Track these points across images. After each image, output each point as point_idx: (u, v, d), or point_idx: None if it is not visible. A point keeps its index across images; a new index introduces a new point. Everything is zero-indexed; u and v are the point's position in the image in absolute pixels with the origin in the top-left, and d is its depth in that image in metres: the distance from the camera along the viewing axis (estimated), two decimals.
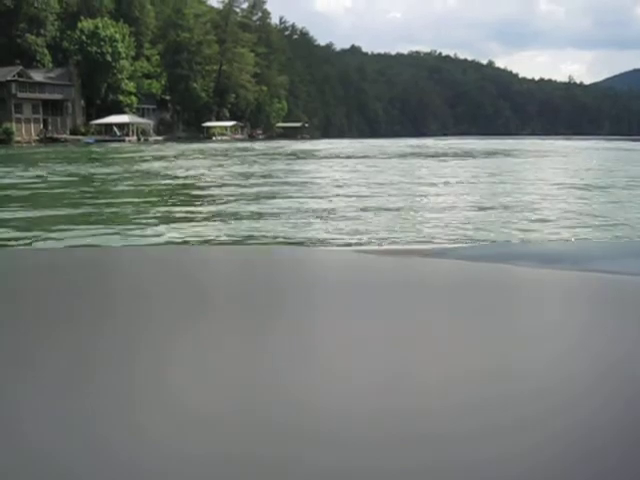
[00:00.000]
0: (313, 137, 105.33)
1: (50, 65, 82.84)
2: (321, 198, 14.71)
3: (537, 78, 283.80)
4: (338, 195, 15.19)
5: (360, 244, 8.58)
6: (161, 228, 10.27)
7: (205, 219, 11.57)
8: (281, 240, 9.28)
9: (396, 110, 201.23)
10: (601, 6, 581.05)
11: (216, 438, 0.43)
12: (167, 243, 8.77)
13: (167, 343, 0.63)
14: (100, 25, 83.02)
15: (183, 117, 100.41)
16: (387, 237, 9.45)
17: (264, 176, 21.67)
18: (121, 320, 0.73)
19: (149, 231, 10.03)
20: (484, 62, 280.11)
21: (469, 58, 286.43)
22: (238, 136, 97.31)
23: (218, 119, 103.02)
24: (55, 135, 75.78)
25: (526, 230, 10.19)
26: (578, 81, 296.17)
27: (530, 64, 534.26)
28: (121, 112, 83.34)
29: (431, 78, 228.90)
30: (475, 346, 0.63)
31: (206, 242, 8.90)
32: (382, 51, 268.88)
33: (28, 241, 9.05)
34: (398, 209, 12.63)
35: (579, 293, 0.95)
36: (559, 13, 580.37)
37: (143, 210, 12.59)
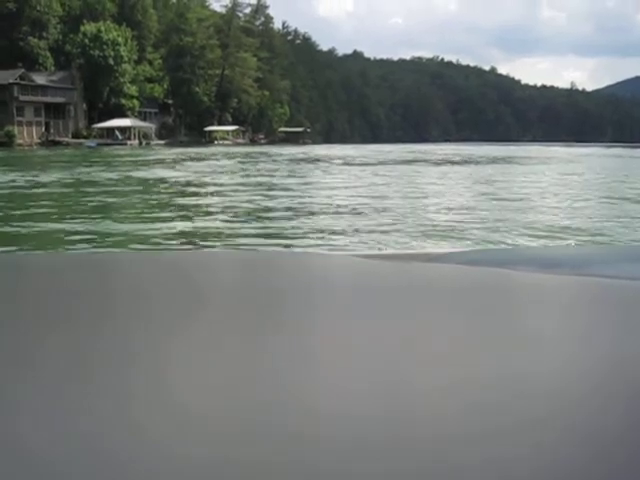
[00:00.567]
0: (315, 142, 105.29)
1: (52, 68, 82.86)
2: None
3: (539, 84, 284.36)
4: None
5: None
6: None
7: None
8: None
9: (398, 116, 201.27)
10: (603, 13, 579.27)
11: (216, 440, 0.43)
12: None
13: (167, 346, 0.64)
14: (103, 29, 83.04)
15: (185, 121, 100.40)
16: None
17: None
18: (120, 323, 0.73)
19: None
20: (486, 68, 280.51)
21: (471, 64, 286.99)
22: (240, 140, 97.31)
23: (220, 123, 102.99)
24: (57, 138, 75.74)
25: None
26: (580, 88, 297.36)
27: (532, 70, 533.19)
28: (123, 116, 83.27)
29: (433, 84, 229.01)
30: (475, 351, 0.63)
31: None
32: (384, 56, 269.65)
33: None
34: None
35: (578, 298, 0.96)
36: (561, 19, 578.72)
37: None
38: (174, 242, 9.45)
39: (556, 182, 23.18)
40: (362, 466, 0.39)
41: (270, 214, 12.97)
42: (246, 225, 11.50)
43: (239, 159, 39.38)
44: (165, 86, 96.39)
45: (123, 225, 11.21)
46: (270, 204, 14.67)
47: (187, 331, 0.69)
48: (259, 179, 22.97)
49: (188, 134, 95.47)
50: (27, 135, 74.12)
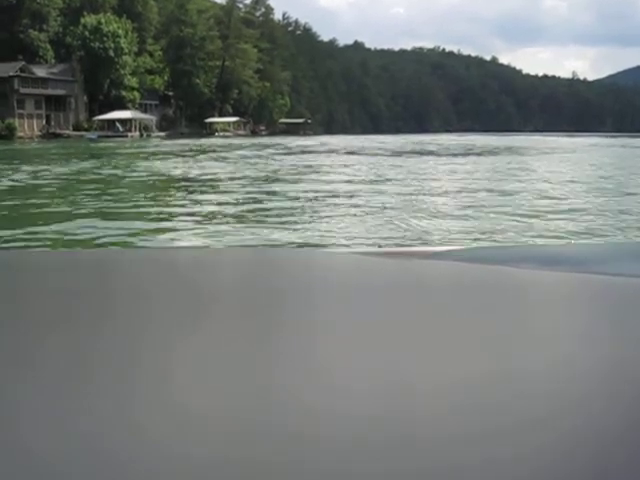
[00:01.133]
0: (316, 133, 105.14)
1: (53, 61, 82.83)
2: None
3: (540, 74, 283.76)
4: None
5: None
6: None
7: None
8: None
9: (399, 106, 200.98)
10: (604, 2, 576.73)
11: (216, 439, 0.43)
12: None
13: (167, 345, 0.64)
14: (103, 21, 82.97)
15: (186, 113, 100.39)
16: None
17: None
18: (121, 322, 0.73)
19: None
20: (487, 58, 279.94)
21: (472, 54, 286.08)
22: (241, 132, 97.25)
23: (221, 115, 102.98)
24: (58, 131, 75.80)
25: None
26: (581, 77, 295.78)
27: (533, 60, 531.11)
28: (124, 108, 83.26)
29: (434, 74, 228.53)
30: (475, 348, 0.63)
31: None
32: (385, 47, 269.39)
33: None
34: None
35: (579, 295, 0.96)
36: (562, 9, 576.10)
37: None
38: None
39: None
40: (362, 466, 0.39)
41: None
42: None
43: (257, 150, 38.60)
44: (165, 78, 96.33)
45: None
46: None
47: (188, 330, 0.69)
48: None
49: (189, 126, 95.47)
50: (28, 128, 74.18)
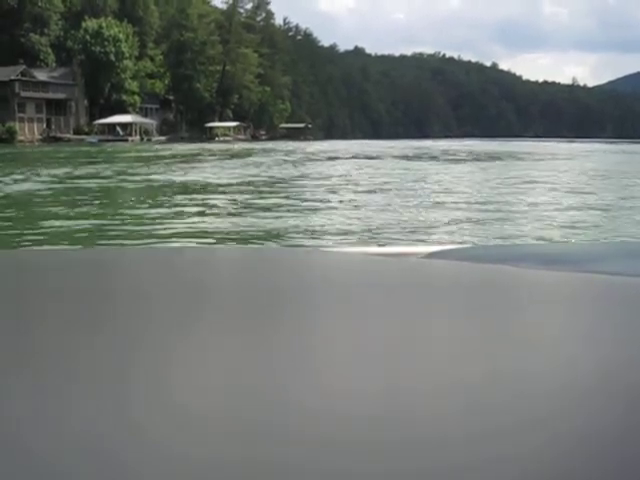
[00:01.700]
0: (316, 138, 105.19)
1: (53, 64, 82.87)
2: None
3: (540, 80, 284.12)
4: None
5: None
6: None
7: None
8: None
9: (399, 111, 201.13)
10: (604, 9, 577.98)
11: (216, 440, 0.43)
12: None
13: (167, 345, 0.63)
14: (104, 25, 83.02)
15: (186, 117, 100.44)
16: None
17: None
18: (120, 321, 0.73)
19: None
20: (488, 64, 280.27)
21: (473, 60, 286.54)
22: (241, 137, 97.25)
23: (221, 119, 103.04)
24: (58, 134, 75.80)
25: None
26: (582, 83, 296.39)
27: (533, 66, 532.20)
28: (124, 112, 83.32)
29: (434, 79, 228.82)
30: (476, 348, 0.63)
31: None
32: (385, 52, 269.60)
33: None
34: None
35: (580, 295, 0.96)
36: (562, 15, 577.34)
37: None
38: None
39: None
40: (363, 466, 0.39)
41: None
42: None
43: (274, 156, 37.91)
44: (166, 82, 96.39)
45: None
46: None
47: (188, 329, 0.69)
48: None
49: (189, 130, 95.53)
50: (28, 131, 74.17)
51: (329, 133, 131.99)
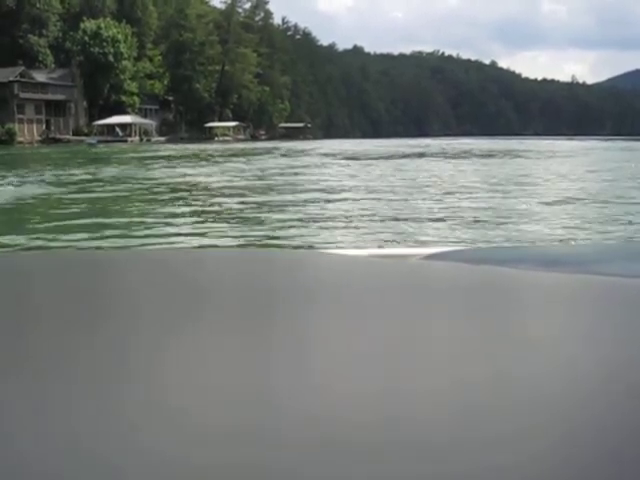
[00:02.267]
0: (316, 137, 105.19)
1: (52, 66, 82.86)
2: None
3: (540, 78, 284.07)
4: None
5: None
6: None
7: None
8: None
9: (398, 110, 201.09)
10: (603, 6, 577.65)
11: (213, 442, 0.43)
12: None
13: (165, 347, 0.63)
14: (102, 26, 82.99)
15: (186, 117, 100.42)
16: None
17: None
18: (119, 324, 0.73)
19: None
20: (487, 62, 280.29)
21: (472, 58, 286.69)
22: (241, 136, 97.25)
23: (221, 119, 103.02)
24: (58, 136, 75.79)
25: None
26: (581, 81, 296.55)
27: (532, 64, 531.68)
28: (124, 112, 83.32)
29: (434, 78, 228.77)
30: (475, 350, 0.63)
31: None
32: (384, 51, 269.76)
33: None
34: None
35: (580, 296, 0.96)
36: (561, 13, 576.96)
37: None
38: None
39: None
40: (361, 469, 0.39)
41: None
42: None
43: (286, 157, 37.07)
44: (165, 82, 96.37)
45: None
46: None
47: (186, 332, 0.69)
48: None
49: (188, 130, 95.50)
50: (28, 133, 74.17)
51: (328, 132, 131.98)
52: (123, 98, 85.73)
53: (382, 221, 11.69)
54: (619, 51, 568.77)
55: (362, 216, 12.42)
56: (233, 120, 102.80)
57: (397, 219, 11.87)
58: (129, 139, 76.10)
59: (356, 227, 11.20)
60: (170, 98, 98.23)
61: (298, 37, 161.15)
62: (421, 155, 39.60)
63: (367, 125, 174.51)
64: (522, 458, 0.40)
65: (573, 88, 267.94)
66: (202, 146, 57.17)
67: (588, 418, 0.47)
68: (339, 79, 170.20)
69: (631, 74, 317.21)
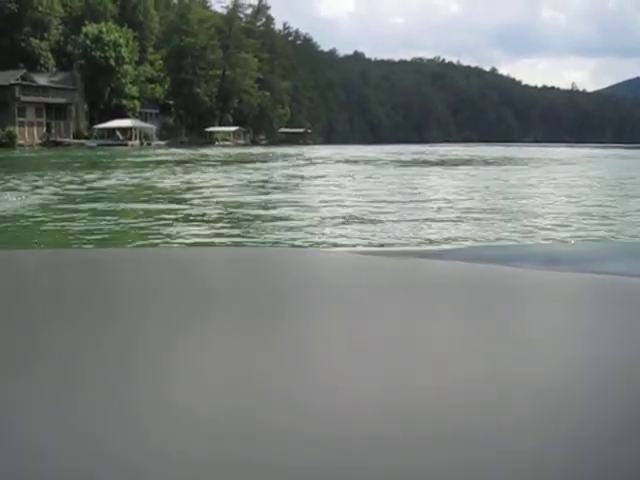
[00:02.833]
0: (316, 143, 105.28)
1: (54, 69, 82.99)
2: None
3: (540, 85, 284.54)
4: None
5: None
6: None
7: None
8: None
9: (399, 116, 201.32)
10: (604, 13, 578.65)
11: (218, 439, 0.43)
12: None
13: (168, 344, 0.63)
14: (104, 30, 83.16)
15: (186, 122, 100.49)
16: None
17: None
18: (120, 321, 0.73)
19: None
20: (487, 69, 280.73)
21: (472, 65, 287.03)
22: (241, 141, 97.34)
23: (221, 124, 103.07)
24: (58, 139, 75.85)
25: None
26: (581, 88, 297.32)
27: (533, 71, 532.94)
28: (124, 116, 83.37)
29: (434, 84, 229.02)
30: (476, 347, 0.63)
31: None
32: (385, 57, 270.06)
33: None
34: None
35: (579, 295, 0.96)
36: (561, 20, 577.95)
37: None
38: None
39: None
40: (362, 465, 0.39)
41: None
42: None
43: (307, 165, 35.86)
44: (166, 87, 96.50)
45: None
46: None
47: (188, 330, 0.68)
48: None
49: (189, 135, 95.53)
50: (28, 136, 74.23)
51: (329, 138, 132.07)
52: (124, 102, 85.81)
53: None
54: (619, 59, 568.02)
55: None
56: (233, 125, 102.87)
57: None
58: (129, 143, 76.12)
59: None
60: (171, 102, 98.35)
61: (299, 42, 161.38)
62: (425, 163, 39.29)
63: (367, 131, 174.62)
64: (520, 450, 0.41)
65: (573, 95, 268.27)
66: (202, 151, 57.11)
67: (586, 413, 0.47)
68: (340, 85, 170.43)
69: (631, 82, 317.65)
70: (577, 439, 0.43)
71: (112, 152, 53.04)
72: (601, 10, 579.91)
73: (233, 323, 0.73)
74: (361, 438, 0.43)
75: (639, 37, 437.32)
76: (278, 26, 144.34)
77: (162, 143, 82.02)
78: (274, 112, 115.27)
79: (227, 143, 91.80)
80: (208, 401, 0.49)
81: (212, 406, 0.48)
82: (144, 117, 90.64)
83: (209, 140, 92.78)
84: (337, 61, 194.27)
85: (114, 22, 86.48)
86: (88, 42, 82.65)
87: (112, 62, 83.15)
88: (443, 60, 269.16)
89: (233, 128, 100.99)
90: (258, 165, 32.89)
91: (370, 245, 8.99)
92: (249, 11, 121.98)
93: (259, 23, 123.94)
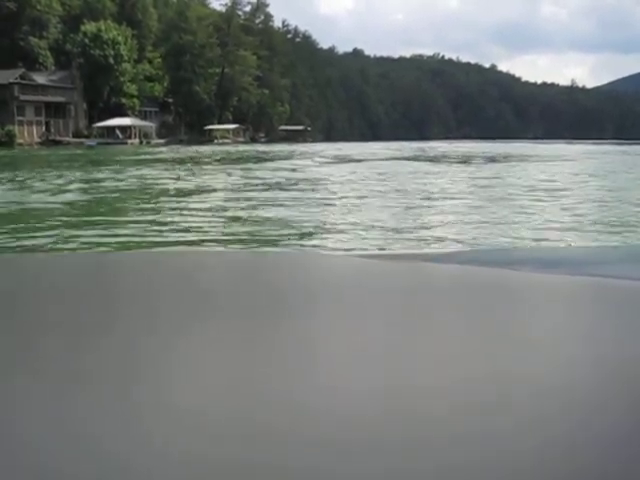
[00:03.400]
0: (315, 140, 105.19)
1: (53, 68, 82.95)
2: None
3: (539, 81, 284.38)
4: None
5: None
6: None
7: None
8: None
9: (398, 113, 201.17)
10: (604, 9, 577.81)
11: (218, 440, 0.43)
12: None
13: (168, 347, 0.63)
14: (103, 28, 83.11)
15: (185, 120, 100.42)
16: None
17: None
18: (121, 324, 0.73)
19: None
20: (487, 65, 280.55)
21: (472, 61, 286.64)
22: (240, 139, 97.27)
23: (220, 122, 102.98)
24: (57, 138, 75.81)
25: None
26: (581, 85, 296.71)
27: (532, 67, 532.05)
28: (123, 115, 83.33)
29: (434, 81, 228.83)
30: (475, 351, 0.63)
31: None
32: (384, 54, 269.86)
33: None
34: None
35: (579, 298, 0.96)
36: (561, 16, 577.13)
37: None
38: None
39: None
40: (362, 466, 0.39)
41: None
42: None
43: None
44: (165, 85, 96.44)
45: None
46: None
47: (188, 332, 0.69)
48: None
49: (188, 133, 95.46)
50: (27, 134, 74.18)
51: (328, 135, 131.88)
52: (123, 100, 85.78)
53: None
54: (619, 54, 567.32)
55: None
56: (233, 123, 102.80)
57: None
58: (129, 141, 76.09)
59: None
60: (170, 100, 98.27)
61: (298, 40, 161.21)
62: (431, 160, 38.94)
63: (367, 128, 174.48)
64: (521, 451, 0.41)
65: (573, 92, 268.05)
66: (202, 148, 56.90)
67: (585, 415, 0.48)
68: (339, 82, 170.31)
69: (632, 78, 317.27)
70: (577, 440, 0.43)
71: (113, 151, 52.80)
72: (601, 5, 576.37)
73: (234, 325, 0.73)
74: (361, 439, 0.43)
75: (639, 32, 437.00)
76: (277, 23, 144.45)
77: (161, 141, 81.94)
78: (273, 110, 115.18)
79: (226, 141, 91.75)
80: (209, 402, 0.49)
81: (213, 407, 0.48)
82: (143, 115, 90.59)
83: (208, 138, 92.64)
84: (336, 58, 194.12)
85: (113, 20, 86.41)
86: (87, 40, 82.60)
87: (111, 60, 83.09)
88: (443, 57, 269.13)
89: (232, 126, 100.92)
90: (281, 164, 31.43)
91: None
92: (248, 8, 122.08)
93: (258, 20, 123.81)
